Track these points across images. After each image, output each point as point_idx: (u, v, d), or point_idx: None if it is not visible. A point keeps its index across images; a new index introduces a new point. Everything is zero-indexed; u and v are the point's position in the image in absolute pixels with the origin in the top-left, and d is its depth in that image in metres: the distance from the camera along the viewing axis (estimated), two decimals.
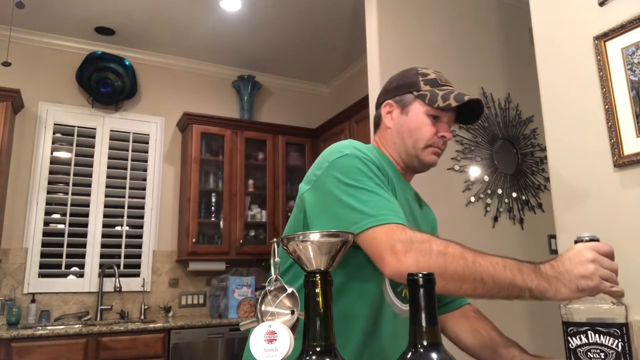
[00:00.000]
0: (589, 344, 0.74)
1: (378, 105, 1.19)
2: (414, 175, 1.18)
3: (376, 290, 1.00)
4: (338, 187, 0.95)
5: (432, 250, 0.85)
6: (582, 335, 0.75)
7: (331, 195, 0.95)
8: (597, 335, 0.74)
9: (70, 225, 3.60)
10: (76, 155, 3.71)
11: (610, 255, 0.82)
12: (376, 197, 0.93)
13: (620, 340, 0.72)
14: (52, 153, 3.64)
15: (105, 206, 3.73)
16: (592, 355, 0.73)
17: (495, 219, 2.76)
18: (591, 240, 0.83)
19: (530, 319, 2.66)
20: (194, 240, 3.66)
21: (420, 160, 1.11)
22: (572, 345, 0.76)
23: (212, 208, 3.87)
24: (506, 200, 2.82)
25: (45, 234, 3.52)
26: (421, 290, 0.55)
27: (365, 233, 0.89)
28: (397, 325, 1.02)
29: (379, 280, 1.00)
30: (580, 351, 0.75)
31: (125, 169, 3.85)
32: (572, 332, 0.76)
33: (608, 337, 0.73)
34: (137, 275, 3.73)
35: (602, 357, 0.73)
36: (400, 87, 1.14)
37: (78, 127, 3.75)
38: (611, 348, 0.73)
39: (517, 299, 0.84)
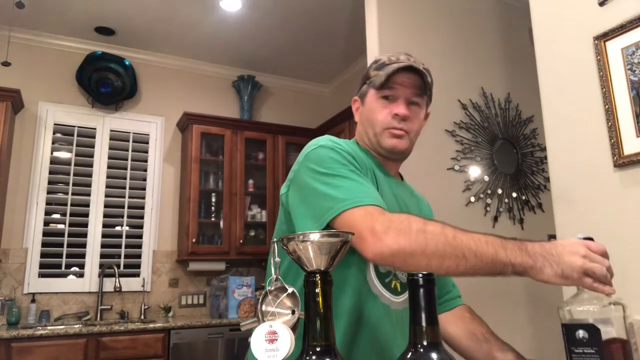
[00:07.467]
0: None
1: None
2: (398, 164, 1.17)
3: (358, 279, 0.97)
4: (312, 177, 0.96)
5: (411, 228, 0.83)
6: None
7: (307, 186, 0.96)
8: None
9: (70, 225, 3.60)
10: (76, 155, 3.70)
11: (603, 255, 0.81)
12: (350, 182, 0.93)
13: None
14: (52, 153, 3.64)
15: (105, 206, 3.73)
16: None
17: (495, 219, 2.76)
18: (586, 239, 0.83)
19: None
20: (194, 240, 3.66)
21: (381, 145, 1.09)
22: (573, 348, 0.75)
23: (212, 208, 3.87)
24: (506, 200, 2.82)
25: (45, 234, 3.51)
26: (421, 290, 0.55)
27: (341, 217, 0.88)
28: (391, 317, 0.99)
29: (361, 269, 0.97)
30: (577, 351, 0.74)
31: (125, 169, 3.85)
32: (570, 333, 0.75)
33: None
34: (137, 275, 3.73)
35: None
36: (361, 82, 1.16)
37: (78, 127, 3.75)
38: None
39: (500, 275, 0.82)
